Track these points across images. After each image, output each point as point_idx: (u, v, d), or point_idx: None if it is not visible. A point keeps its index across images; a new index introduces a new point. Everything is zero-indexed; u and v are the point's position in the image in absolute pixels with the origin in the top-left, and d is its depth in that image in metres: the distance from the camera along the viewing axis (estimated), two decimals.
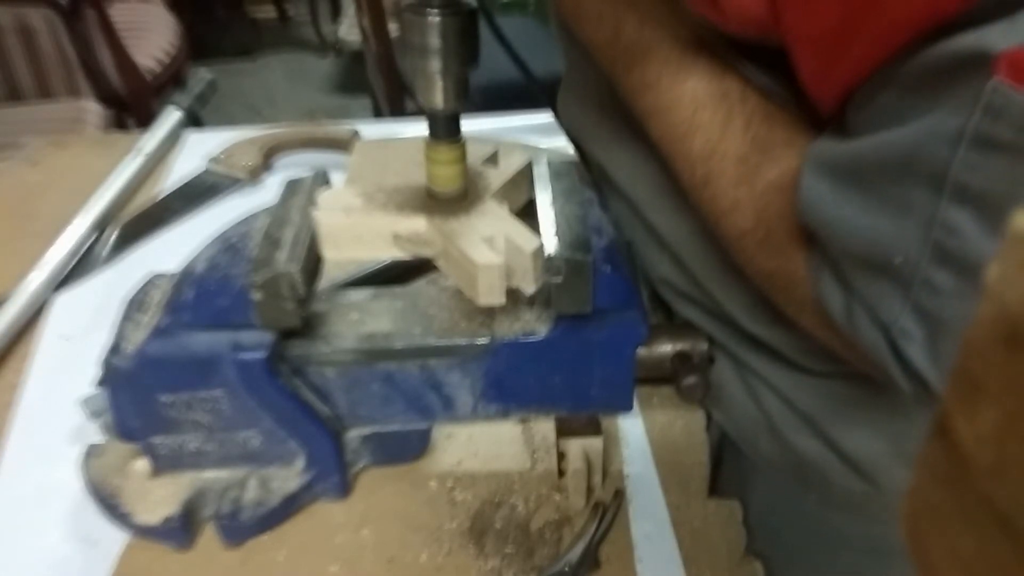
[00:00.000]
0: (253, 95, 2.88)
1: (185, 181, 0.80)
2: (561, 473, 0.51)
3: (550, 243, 0.43)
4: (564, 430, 0.52)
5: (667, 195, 0.50)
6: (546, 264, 0.43)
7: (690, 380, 0.49)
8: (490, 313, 0.48)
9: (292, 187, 0.50)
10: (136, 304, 0.48)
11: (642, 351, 0.50)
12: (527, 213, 0.48)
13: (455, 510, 0.50)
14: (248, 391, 0.45)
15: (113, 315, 0.47)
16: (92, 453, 0.50)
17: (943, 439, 0.14)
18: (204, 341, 0.45)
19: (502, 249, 0.42)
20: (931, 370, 0.32)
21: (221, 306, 0.45)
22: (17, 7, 1.63)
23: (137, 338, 0.45)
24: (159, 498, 0.48)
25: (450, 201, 0.45)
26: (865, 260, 0.34)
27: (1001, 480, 0.13)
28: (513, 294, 0.43)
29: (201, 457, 0.48)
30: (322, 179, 0.50)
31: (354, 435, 0.50)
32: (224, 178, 0.80)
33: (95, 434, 0.50)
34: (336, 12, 3.00)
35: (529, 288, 0.43)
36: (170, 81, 1.93)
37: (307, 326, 0.47)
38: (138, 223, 0.75)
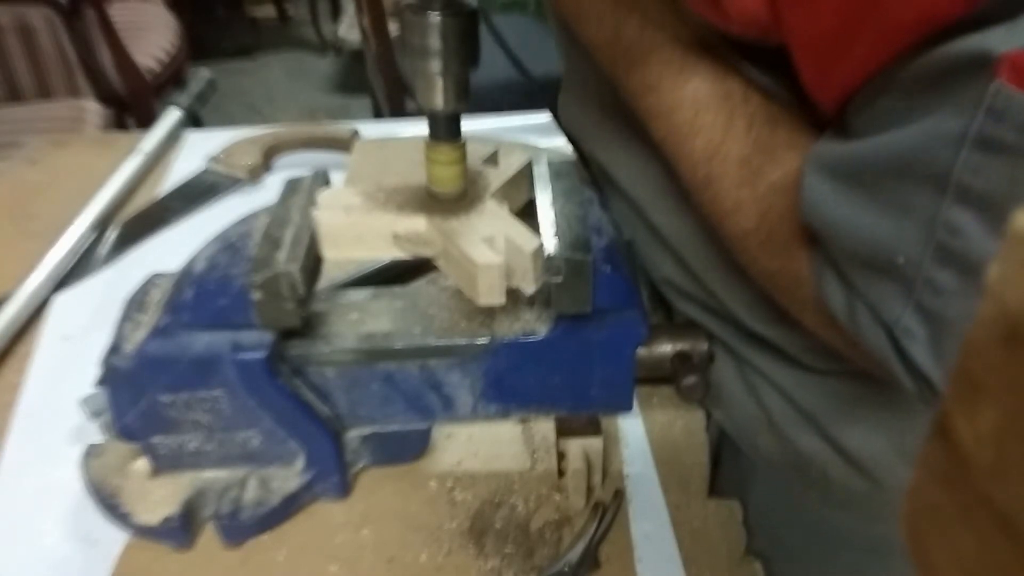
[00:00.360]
0: (253, 95, 2.88)
1: (185, 181, 0.80)
2: (561, 473, 0.51)
3: (550, 243, 0.43)
4: (564, 430, 0.52)
5: (669, 195, 0.50)
6: (546, 264, 0.43)
7: (690, 380, 0.49)
8: (490, 313, 0.48)
9: (292, 187, 0.50)
10: (136, 304, 0.48)
11: (642, 351, 0.50)
12: (527, 213, 0.48)
13: (455, 510, 0.50)
14: (248, 391, 0.45)
15: (113, 315, 0.47)
16: (92, 453, 0.50)
17: (943, 439, 0.14)
18: (204, 341, 0.45)
19: (502, 249, 0.42)
20: (934, 369, 0.32)
21: (221, 306, 0.45)
22: (17, 6, 1.63)
23: (137, 338, 0.45)
24: (159, 498, 0.48)
25: (450, 201, 0.45)
26: (867, 260, 0.34)
27: (1001, 480, 0.13)
28: (513, 294, 0.43)
29: (201, 457, 0.48)
30: (322, 179, 0.50)
31: (354, 435, 0.50)
32: (224, 178, 0.80)
33: (95, 434, 0.50)
34: (336, 12, 3.00)
35: (529, 288, 0.43)
36: (170, 81, 1.93)
37: (307, 326, 0.47)
38: (138, 223, 0.75)
